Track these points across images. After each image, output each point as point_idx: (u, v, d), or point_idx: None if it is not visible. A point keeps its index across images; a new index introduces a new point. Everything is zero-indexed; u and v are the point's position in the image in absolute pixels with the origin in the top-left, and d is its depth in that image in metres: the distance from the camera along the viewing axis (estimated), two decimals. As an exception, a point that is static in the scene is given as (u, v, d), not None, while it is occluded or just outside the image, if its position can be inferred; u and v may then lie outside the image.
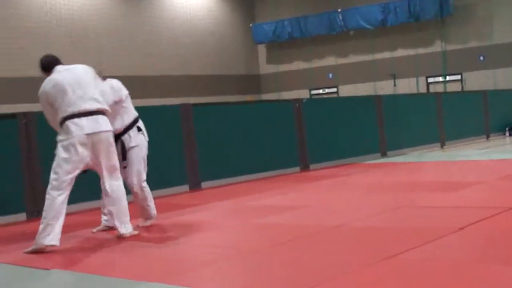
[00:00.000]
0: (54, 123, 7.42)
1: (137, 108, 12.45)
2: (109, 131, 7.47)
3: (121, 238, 7.43)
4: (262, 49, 36.25)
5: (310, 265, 5.54)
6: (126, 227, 7.51)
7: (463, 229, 6.42)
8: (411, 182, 10.91)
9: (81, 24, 28.07)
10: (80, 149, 7.20)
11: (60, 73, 7.47)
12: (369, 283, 4.82)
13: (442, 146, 18.14)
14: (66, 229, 7.86)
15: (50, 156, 7.42)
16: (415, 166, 13.66)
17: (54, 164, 7.21)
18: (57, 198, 7.12)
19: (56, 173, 7.17)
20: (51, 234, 7.02)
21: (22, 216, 9.78)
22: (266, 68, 36.21)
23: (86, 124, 7.24)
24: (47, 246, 7.02)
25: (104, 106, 7.54)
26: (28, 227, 8.66)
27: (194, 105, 12.89)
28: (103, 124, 7.40)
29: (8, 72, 24.24)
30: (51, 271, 6.16)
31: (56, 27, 26.94)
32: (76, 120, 7.21)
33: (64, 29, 27.27)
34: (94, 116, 7.34)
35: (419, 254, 5.57)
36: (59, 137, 7.27)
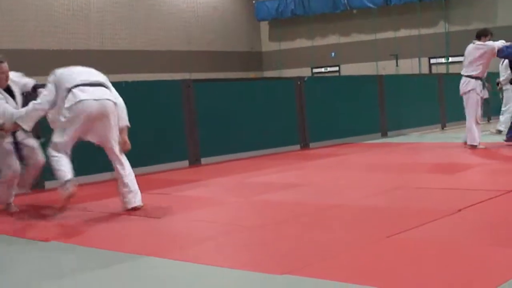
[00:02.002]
0: (47, 107, 7.50)
1: (137, 83, 12.51)
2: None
3: None
4: (264, 26, 36.15)
5: (310, 242, 5.55)
6: None
7: (462, 211, 6.43)
8: (411, 163, 10.92)
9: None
10: None
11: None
12: (368, 261, 4.84)
13: (443, 128, 18.12)
14: (58, 203, 7.88)
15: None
16: (415, 147, 13.66)
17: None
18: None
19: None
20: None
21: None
22: (268, 46, 36.13)
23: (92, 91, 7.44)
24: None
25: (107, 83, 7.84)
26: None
27: (195, 81, 12.87)
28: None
29: (10, 44, 24.21)
30: (50, 243, 6.17)
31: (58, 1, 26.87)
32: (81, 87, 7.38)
33: (66, 1, 27.17)
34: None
35: (418, 234, 5.58)
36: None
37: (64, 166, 7.33)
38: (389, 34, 31.86)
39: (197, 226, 6.68)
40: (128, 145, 7.92)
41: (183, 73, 27.16)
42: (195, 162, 12.08)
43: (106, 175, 10.57)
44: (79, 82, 7.36)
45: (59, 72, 7.50)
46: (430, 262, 4.69)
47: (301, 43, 34.70)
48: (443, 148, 12.56)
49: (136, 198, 7.61)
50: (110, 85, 7.86)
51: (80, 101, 7.25)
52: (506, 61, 12.91)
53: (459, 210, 6.44)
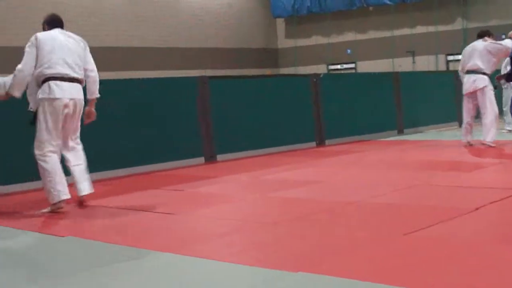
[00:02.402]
0: (26, 69, 7.49)
1: (153, 80, 12.52)
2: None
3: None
4: (280, 23, 36.12)
5: (325, 239, 5.52)
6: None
7: (479, 209, 6.37)
8: (427, 161, 10.86)
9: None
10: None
11: (60, 33, 7.78)
12: (384, 259, 4.80)
13: (460, 125, 18.00)
14: (74, 199, 7.91)
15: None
16: (432, 144, 13.59)
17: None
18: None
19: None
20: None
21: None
22: (284, 42, 36.09)
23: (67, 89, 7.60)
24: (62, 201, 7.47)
25: (81, 76, 7.84)
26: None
27: (211, 77, 12.85)
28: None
29: (24, 41, 24.17)
30: (66, 238, 6.17)
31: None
32: (58, 82, 7.53)
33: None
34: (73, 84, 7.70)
35: (434, 232, 5.54)
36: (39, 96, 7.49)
37: (57, 184, 7.46)
38: (406, 31, 31.74)
39: (212, 222, 6.66)
40: (93, 116, 8.07)
41: (199, 70, 27.13)
42: (210, 158, 12.06)
43: (120, 172, 10.61)
44: (56, 73, 7.52)
45: (41, 37, 7.59)
46: (447, 260, 4.65)
47: (317, 40, 34.63)
48: (460, 146, 12.47)
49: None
50: (88, 58, 8.03)
51: (56, 99, 7.48)
52: (508, 58, 12.84)
53: (477, 209, 6.38)
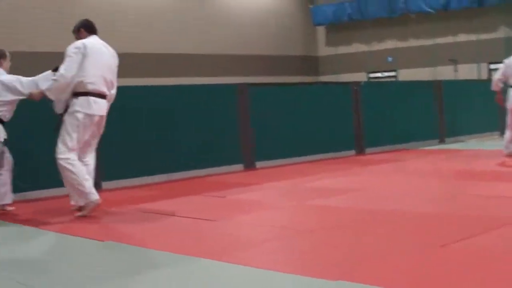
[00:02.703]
0: (69, 77, 7.52)
1: (195, 86, 12.58)
2: None
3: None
4: (321, 31, 36.05)
5: (364, 248, 5.51)
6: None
7: (520, 219, 6.32)
8: (467, 170, 10.78)
9: (145, 1, 28.20)
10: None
11: (101, 45, 7.86)
12: (422, 270, 4.78)
13: (502, 134, 17.81)
14: (114, 204, 7.99)
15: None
16: (474, 154, 13.48)
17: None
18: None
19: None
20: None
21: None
22: (325, 50, 36.00)
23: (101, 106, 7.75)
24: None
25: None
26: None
27: (251, 85, 12.89)
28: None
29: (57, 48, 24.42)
30: (105, 243, 6.23)
31: (119, 3, 27.13)
32: (96, 98, 7.65)
33: (127, 8, 27.43)
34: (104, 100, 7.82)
35: (474, 243, 5.50)
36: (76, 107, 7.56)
37: (87, 184, 7.57)
38: (448, 39, 31.48)
39: (251, 229, 6.68)
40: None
41: (239, 77, 27.18)
42: (250, 166, 12.09)
43: (161, 177, 10.68)
44: (97, 90, 7.65)
45: (89, 46, 7.64)
46: (487, 273, 4.61)
47: (358, 47, 34.50)
48: (502, 156, 12.35)
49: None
50: (116, 75, 8.08)
51: (94, 115, 7.63)
52: None
53: (517, 219, 6.33)
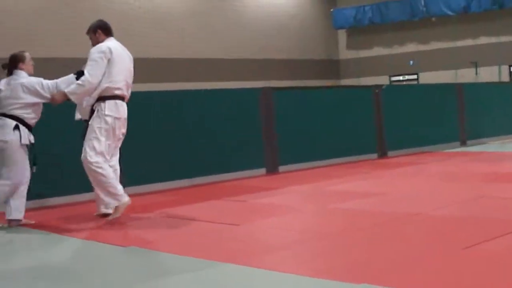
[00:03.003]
0: (96, 83, 7.59)
1: (219, 91, 12.65)
2: None
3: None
4: (342, 34, 36.02)
5: (387, 251, 5.55)
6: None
7: (543, 222, 6.33)
8: (490, 173, 10.76)
9: (162, 7, 28.32)
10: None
11: (121, 48, 7.93)
12: (446, 272, 4.81)
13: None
14: (137, 209, 8.06)
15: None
16: (496, 156, 13.45)
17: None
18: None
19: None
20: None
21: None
22: (346, 53, 35.97)
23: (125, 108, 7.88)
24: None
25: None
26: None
27: (274, 88, 12.94)
28: None
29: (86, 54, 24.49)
30: (128, 248, 6.30)
31: (137, 8, 27.25)
32: (121, 102, 7.80)
33: (145, 11, 27.54)
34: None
35: (497, 246, 5.51)
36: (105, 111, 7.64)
37: (118, 186, 7.69)
38: (469, 42, 31.38)
39: (274, 233, 6.72)
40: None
41: (262, 81, 27.22)
42: (272, 169, 12.13)
43: (183, 182, 10.73)
44: (122, 94, 7.79)
45: (114, 51, 7.71)
46: (504, 276, 4.64)
47: (379, 51, 34.44)
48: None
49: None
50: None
51: (120, 118, 7.75)
52: None
53: (540, 221, 6.34)
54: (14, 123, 7.67)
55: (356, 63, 34.94)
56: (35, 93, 7.73)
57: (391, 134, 14.41)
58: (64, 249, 6.66)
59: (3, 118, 7.71)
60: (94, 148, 7.59)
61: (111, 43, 7.82)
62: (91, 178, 7.70)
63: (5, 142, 7.64)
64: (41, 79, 7.83)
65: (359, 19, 34.18)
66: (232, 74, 29.25)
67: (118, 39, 8.03)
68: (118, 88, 7.70)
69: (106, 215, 7.89)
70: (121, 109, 7.75)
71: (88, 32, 8.01)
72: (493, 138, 16.88)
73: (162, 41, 27.46)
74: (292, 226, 7.06)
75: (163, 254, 5.98)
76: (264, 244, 6.23)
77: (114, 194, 7.63)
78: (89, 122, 7.69)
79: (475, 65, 30.78)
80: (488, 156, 13.61)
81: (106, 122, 7.62)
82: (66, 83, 7.78)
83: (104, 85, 7.60)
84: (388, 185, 9.91)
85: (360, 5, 33.97)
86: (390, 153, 14.35)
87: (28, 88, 7.72)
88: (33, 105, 7.79)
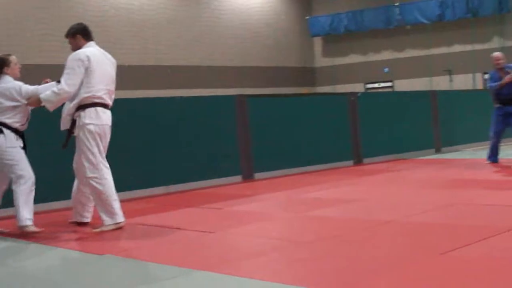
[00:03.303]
0: (72, 92, 7.50)
1: (192, 98, 12.64)
2: None
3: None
4: (318, 42, 36.14)
5: (362, 258, 5.56)
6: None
7: (517, 228, 6.38)
8: (464, 179, 10.82)
9: (139, 15, 28.28)
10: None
11: (102, 54, 7.80)
12: (421, 279, 4.83)
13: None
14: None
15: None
16: (470, 163, 13.53)
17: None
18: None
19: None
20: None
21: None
22: (321, 61, 36.09)
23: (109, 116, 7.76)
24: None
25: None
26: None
27: (249, 96, 12.95)
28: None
29: (63, 60, 24.39)
30: (104, 256, 6.27)
31: (114, 16, 27.20)
32: (103, 109, 7.67)
33: (122, 19, 27.50)
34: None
35: (473, 251, 5.55)
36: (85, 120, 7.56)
37: (116, 206, 7.61)
38: (443, 50, 31.60)
39: (249, 240, 6.72)
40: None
41: (237, 89, 27.26)
42: (248, 177, 12.13)
43: (158, 190, 10.70)
44: (104, 101, 7.67)
45: (92, 59, 7.57)
46: (484, 281, 4.67)
47: (354, 58, 34.59)
48: (498, 165, 12.42)
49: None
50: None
51: (103, 125, 7.64)
52: None
53: (514, 228, 6.39)
54: None
55: (332, 70, 35.06)
56: (10, 97, 7.66)
57: (366, 141, 14.47)
58: (39, 257, 6.62)
59: None
60: (90, 161, 7.52)
61: (90, 50, 7.67)
62: (90, 192, 7.66)
63: None
64: (21, 84, 7.75)
65: (334, 27, 34.34)
66: (207, 82, 29.27)
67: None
68: (99, 97, 7.59)
69: (80, 223, 7.85)
70: (104, 116, 7.63)
71: (67, 36, 7.87)
72: (467, 145, 16.98)
73: (138, 48, 27.43)
74: (268, 234, 7.06)
75: (139, 262, 5.96)
76: (240, 252, 6.23)
77: (111, 212, 7.55)
78: (75, 134, 7.61)
79: (450, 72, 31.00)
80: (462, 163, 13.69)
81: (90, 131, 7.52)
82: (46, 90, 7.70)
83: (83, 95, 7.49)
84: (364, 192, 9.93)
85: (336, 13, 34.14)
86: (365, 160, 14.41)
87: (3, 92, 7.67)
88: (12, 108, 7.70)
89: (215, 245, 6.60)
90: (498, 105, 12.75)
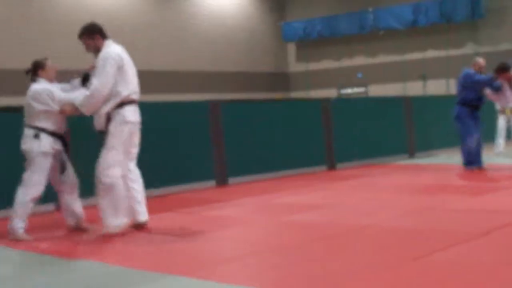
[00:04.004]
0: (106, 92, 7.41)
1: (166, 103, 12.58)
2: None
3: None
4: (291, 47, 36.22)
5: (337, 263, 5.55)
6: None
7: (490, 233, 6.40)
8: (438, 184, 10.87)
9: (115, 20, 28.18)
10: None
11: (125, 53, 7.73)
12: (395, 283, 4.83)
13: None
14: (88, 221, 7.95)
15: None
16: (443, 168, 13.60)
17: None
18: None
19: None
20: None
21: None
22: (295, 66, 36.17)
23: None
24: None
25: None
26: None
27: (223, 101, 12.93)
28: None
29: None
30: (77, 261, 6.22)
31: (89, 21, 27.05)
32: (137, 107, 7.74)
33: (96, 23, 27.39)
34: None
35: (446, 256, 5.57)
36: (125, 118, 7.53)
37: (123, 210, 7.51)
38: (417, 55, 31.77)
39: (224, 245, 6.70)
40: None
41: (211, 94, 27.25)
42: (222, 182, 12.11)
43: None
44: (132, 98, 7.66)
45: (124, 58, 7.56)
46: (458, 285, 4.67)
47: (328, 64, 34.70)
48: (472, 170, 12.47)
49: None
50: None
51: (138, 123, 7.73)
52: None
53: (488, 232, 6.41)
54: (33, 132, 7.58)
55: (305, 76, 35.14)
56: (42, 101, 7.57)
57: (340, 146, 14.49)
58: (4, 261, 6.55)
59: (26, 127, 7.68)
60: (111, 161, 7.43)
61: (118, 49, 7.59)
62: (99, 190, 7.55)
63: (24, 150, 7.63)
64: (54, 89, 7.65)
65: (308, 32, 34.43)
66: (181, 87, 29.23)
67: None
68: (135, 92, 7.63)
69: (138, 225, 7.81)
70: (138, 114, 7.71)
71: (82, 37, 7.72)
72: (441, 150, 17.08)
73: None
74: (243, 239, 7.04)
75: (113, 267, 5.91)
76: (215, 256, 6.20)
77: (116, 215, 7.44)
78: (108, 129, 7.48)
79: (423, 78, 31.16)
80: (435, 168, 13.75)
81: (128, 128, 7.51)
82: (78, 96, 7.59)
83: (124, 93, 7.45)
84: (337, 197, 9.95)
85: (310, 18, 34.24)
86: (339, 165, 14.43)
87: (35, 96, 7.60)
88: (44, 112, 7.59)
89: (190, 249, 6.58)
90: (467, 108, 12.69)
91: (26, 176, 7.58)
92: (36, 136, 7.56)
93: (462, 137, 12.55)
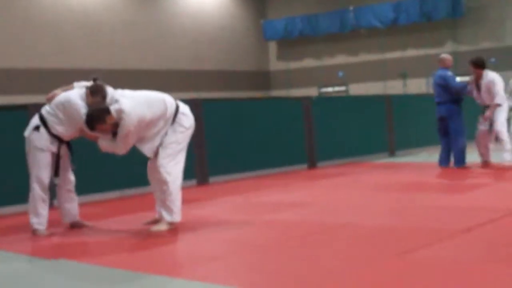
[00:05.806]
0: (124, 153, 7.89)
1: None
2: None
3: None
4: (272, 46, 36.26)
5: (319, 261, 5.55)
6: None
7: (470, 230, 6.43)
8: (418, 182, 10.90)
9: (94, 17, 28.11)
10: None
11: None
12: (375, 281, 4.83)
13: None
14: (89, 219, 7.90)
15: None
16: (423, 166, 13.64)
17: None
18: None
19: None
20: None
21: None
22: (276, 65, 36.21)
23: None
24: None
25: None
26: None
27: (204, 100, 12.90)
28: None
29: (19, 63, 24.30)
30: (57, 261, 6.18)
31: (68, 19, 26.99)
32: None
33: (76, 21, 27.30)
34: None
35: (425, 253, 5.59)
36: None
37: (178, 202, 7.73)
38: (397, 54, 31.90)
39: (205, 245, 6.68)
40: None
41: (192, 92, 27.22)
42: (203, 181, 12.08)
43: (112, 194, 10.61)
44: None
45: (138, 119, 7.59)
46: (437, 282, 4.68)
47: (309, 62, 34.76)
48: (452, 168, 12.53)
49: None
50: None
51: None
52: None
53: (468, 229, 6.44)
54: (36, 123, 7.54)
55: (286, 74, 35.18)
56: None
57: (320, 145, 14.50)
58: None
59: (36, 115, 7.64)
60: (177, 169, 8.05)
61: (129, 106, 7.64)
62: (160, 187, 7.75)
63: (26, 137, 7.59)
64: (84, 110, 7.55)
65: (289, 31, 34.48)
66: (162, 85, 29.05)
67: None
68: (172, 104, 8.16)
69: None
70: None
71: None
72: (421, 148, 17.14)
73: (92, 52, 27.24)
74: (223, 237, 7.02)
75: (91, 267, 5.88)
76: (195, 255, 6.18)
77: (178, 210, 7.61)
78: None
79: (404, 76, 31.28)
80: (415, 166, 13.80)
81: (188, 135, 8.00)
82: None
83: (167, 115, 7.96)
84: (318, 196, 9.95)
85: (290, 17, 34.28)
86: (319, 164, 14.44)
87: (64, 105, 7.54)
88: (65, 121, 7.58)
89: (171, 249, 6.56)
90: (457, 107, 12.87)
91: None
92: (37, 128, 7.50)
93: (455, 136, 12.60)
